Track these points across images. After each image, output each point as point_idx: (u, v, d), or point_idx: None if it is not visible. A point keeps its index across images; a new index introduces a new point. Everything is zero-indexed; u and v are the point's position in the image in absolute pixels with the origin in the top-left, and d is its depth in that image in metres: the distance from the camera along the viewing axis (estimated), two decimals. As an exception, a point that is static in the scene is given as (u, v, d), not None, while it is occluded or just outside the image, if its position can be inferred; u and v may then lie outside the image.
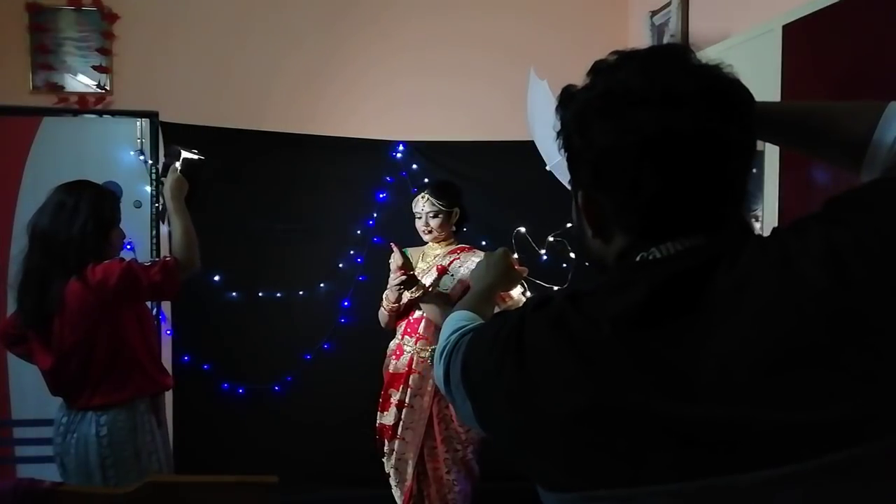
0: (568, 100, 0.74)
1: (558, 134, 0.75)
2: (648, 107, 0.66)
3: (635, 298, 0.65)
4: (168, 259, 2.17)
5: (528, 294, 2.44)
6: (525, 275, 2.05)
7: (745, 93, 0.70)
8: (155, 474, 2.10)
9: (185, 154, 2.29)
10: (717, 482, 0.58)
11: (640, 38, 3.39)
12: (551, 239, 2.60)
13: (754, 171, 2.29)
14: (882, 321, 0.57)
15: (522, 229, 2.61)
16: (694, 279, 0.64)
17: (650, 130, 0.66)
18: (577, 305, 0.69)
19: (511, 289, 2.24)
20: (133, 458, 2.11)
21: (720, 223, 0.69)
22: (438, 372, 0.92)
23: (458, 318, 1.03)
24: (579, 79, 0.78)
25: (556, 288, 2.60)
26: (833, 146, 0.80)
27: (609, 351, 0.64)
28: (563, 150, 0.75)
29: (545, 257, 2.57)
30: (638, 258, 0.70)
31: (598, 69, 0.73)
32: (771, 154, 2.32)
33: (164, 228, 3.09)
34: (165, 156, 2.39)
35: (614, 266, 0.74)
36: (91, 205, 2.10)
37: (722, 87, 0.69)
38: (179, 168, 2.27)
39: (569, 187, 2.81)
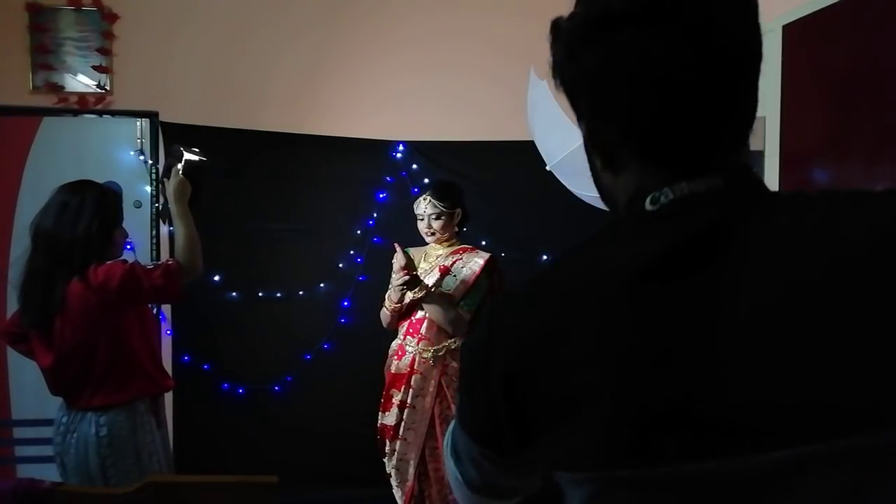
0: (556, 32, 0.70)
1: (553, 71, 0.70)
2: (634, 25, 0.62)
3: (652, 249, 0.61)
4: (171, 262, 2.16)
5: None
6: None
7: None
8: (155, 474, 2.10)
9: (187, 155, 2.27)
10: (733, 464, 0.56)
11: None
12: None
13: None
14: None
15: None
16: (715, 234, 0.61)
17: (639, 48, 0.62)
18: (571, 266, 0.66)
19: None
20: (133, 458, 2.11)
21: (732, 152, 0.65)
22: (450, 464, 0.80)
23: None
24: None
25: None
26: None
27: (620, 317, 0.60)
28: (559, 86, 0.70)
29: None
30: (649, 199, 0.65)
31: None
32: (771, 154, 2.32)
33: (164, 228, 3.10)
34: (167, 156, 2.37)
35: (626, 211, 0.69)
36: (95, 205, 2.10)
37: None
38: (182, 169, 2.25)
39: (569, 188, 2.80)
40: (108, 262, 2.10)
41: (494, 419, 0.66)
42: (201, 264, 2.23)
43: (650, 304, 0.60)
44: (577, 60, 0.66)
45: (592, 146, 0.71)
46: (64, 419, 2.14)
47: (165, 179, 2.30)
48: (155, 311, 3.12)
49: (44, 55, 3.41)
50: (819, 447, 0.55)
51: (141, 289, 2.09)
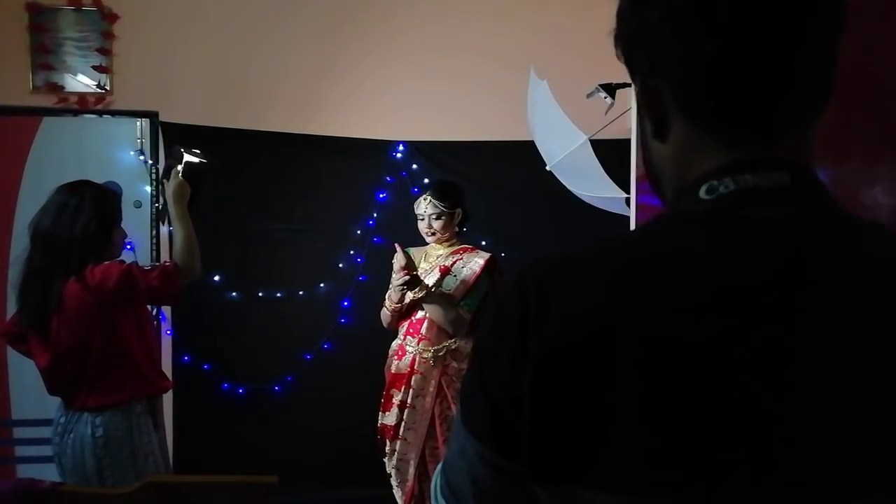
0: None
1: (616, 31, 0.66)
2: None
3: (723, 261, 0.55)
4: (168, 264, 2.17)
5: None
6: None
7: None
8: (152, 475, 2.10)
9: (187, 157, 2.25)
10: None
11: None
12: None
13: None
14: None
15: None
16: (791, 255, 0.55)
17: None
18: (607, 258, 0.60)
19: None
20: (129, 459, 2.11)
21: (793, 133, 0.59)
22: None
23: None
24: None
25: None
26: None
27: (690, 332, 0.54)
28: (619, 49, 0.66)
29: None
30: (705, 187, 0.59)
31: None
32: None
33: (164, 229, 3.09)
34: (167, 157, 2.36)
35: (675, 196, 0.63)
36: (94, 205, 2.10)
37: None
38: (181, 171, 2.24)
39: (569, 188, 2.77)
40: (106, 263, 2.10)
41: (515, 415, 0.58)
42: (199, 267, 2.23)
43: (722, 329, 0.53)
44: (639, 10, 0.62)
45: (644, 107, 0.65)
46: (62, 419, 2.15)
47: (165, 181, 2.29)
48: (155, 311, 3.12)
49: (44, 55, 3.41)
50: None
51: (137, 290, 2.09)
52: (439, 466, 0.69)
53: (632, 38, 0.64)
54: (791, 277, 0.54)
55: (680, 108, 0.61)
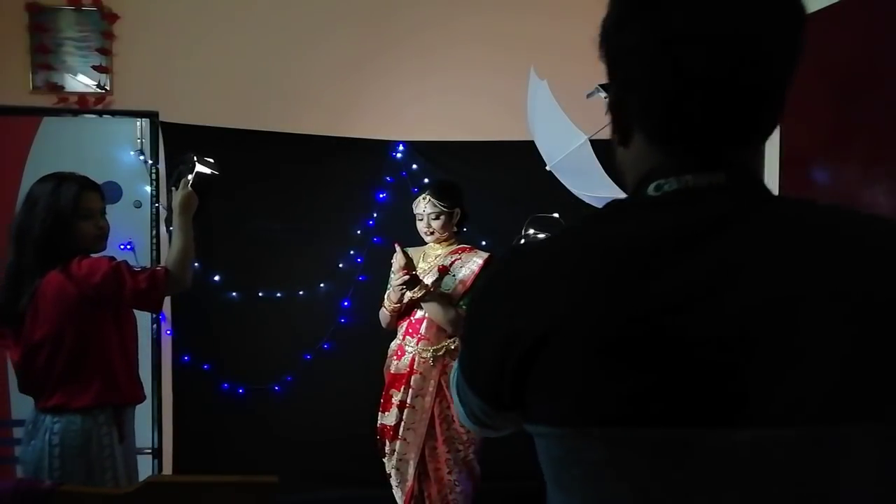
0: (613, 1, 0.73)
1: (600, 38, 0.73)
2: (681, 5, 0.65)
3: (651, 231, 0.65)
4: (159, 269, 2.13)
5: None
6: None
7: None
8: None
9: (198, 168, 2.21)
10: (714, 434, 0.60)
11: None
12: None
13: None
14: None
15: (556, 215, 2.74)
16: (713, 223, 0.64)
17: (676, 28, 0.64)
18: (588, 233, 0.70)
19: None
20: (84, 473, 2.01)
21: (740, 149, 0.68)
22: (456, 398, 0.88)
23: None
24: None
25: None
26: None
27: (623, 291, 0.63)
28: (602, 55, 0.73)
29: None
30: (653, 185, 0.69)
31: None
32: (771, 154, 2.32)
33: (164, 229, 3.09)
34: (179, 163, 2.30)
35: (630, 193, 0.73)
36: (49, 197, 2.03)
37: None
38: (191, 181, 2.20)
39: (569, 188, 2.80)
40: (95, 256, 2.06)
41: (501, 383, 0.70)
42: (189, 279, 2.18)
43: (650, 281, 0.63)
44: (619, 32, 0.69)
45: (614, 118, 0.74)
46: (29, 427, 2.08)
47: (174, 188, 2.25)
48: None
49: (44, 55, 3.41)
50: (790, 432, 0.59)
51: (122, 289, 2.03)
52: (455, 367, 0.83)
53: (610, 54, 0.72)
54: (710, 228, 0.64)
55: (641, 125, 0.71)
